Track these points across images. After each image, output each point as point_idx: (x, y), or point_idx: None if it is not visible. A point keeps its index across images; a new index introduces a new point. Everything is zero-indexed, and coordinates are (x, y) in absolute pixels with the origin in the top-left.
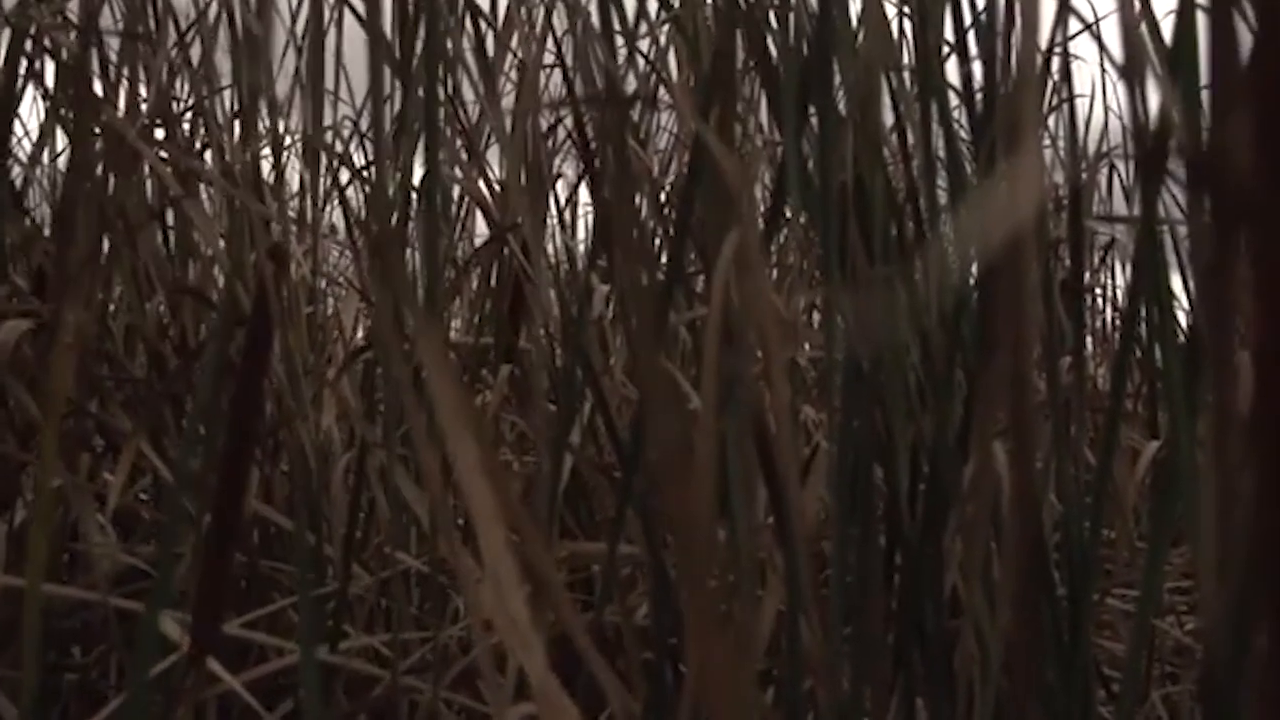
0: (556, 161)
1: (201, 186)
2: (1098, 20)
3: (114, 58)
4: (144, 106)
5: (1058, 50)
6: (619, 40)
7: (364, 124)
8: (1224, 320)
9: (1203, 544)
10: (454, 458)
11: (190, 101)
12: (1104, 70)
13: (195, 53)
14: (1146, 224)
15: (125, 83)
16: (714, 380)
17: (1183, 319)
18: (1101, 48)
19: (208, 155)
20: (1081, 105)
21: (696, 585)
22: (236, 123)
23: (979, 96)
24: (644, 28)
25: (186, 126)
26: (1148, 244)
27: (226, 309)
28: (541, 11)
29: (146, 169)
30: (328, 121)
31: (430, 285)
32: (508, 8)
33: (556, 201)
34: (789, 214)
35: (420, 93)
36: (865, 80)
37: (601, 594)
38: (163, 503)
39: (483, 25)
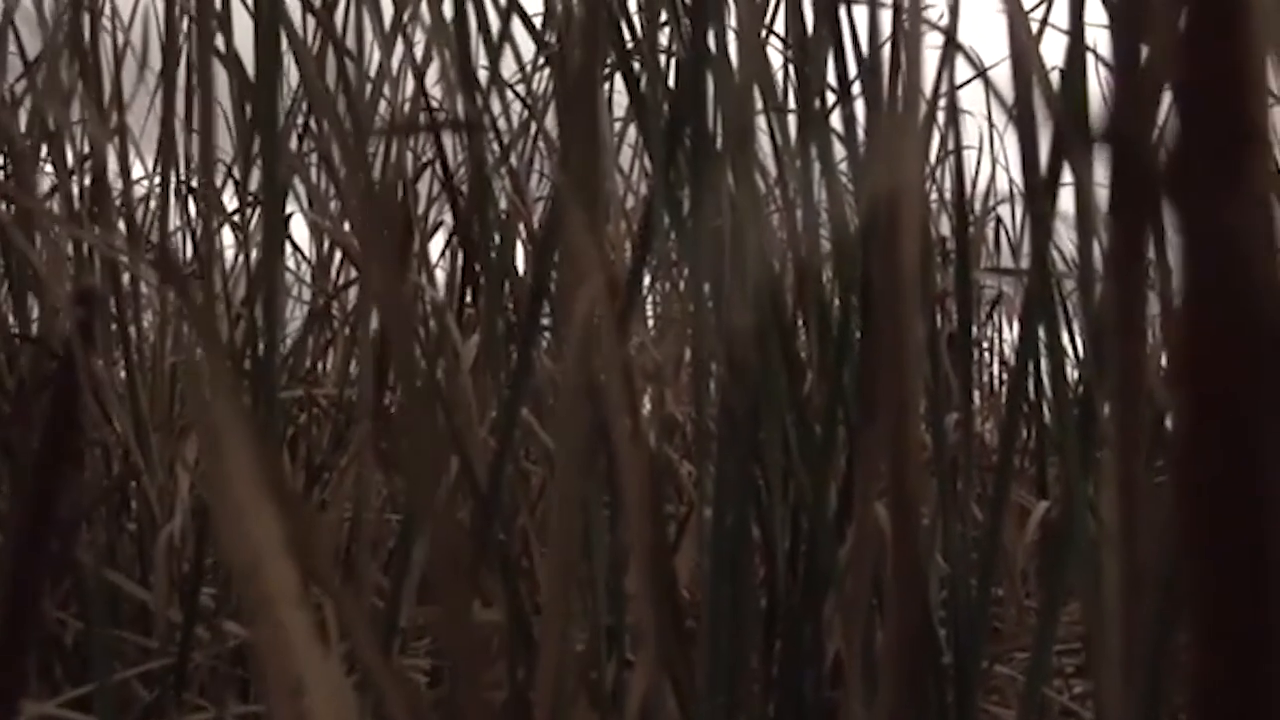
0: (426, 209)
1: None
2: (984, 71)
3: None
4: None
5: (944, 97)
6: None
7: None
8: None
9: (1102, 635)
10: (251, 530)
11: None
12: (991, 124)
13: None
14: (1037, 268)
15: None
16: (571, 439)
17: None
18: (988, 86)
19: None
20: (970, 158)
21: (553, 655)
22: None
23: (861, 139)
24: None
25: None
26: (1038, 294)
27: (36, 358)
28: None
29: None
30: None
31: (270, 335)
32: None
33: (424, 250)
34: (656, 260)
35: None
36: (740, 115)
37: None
38: None
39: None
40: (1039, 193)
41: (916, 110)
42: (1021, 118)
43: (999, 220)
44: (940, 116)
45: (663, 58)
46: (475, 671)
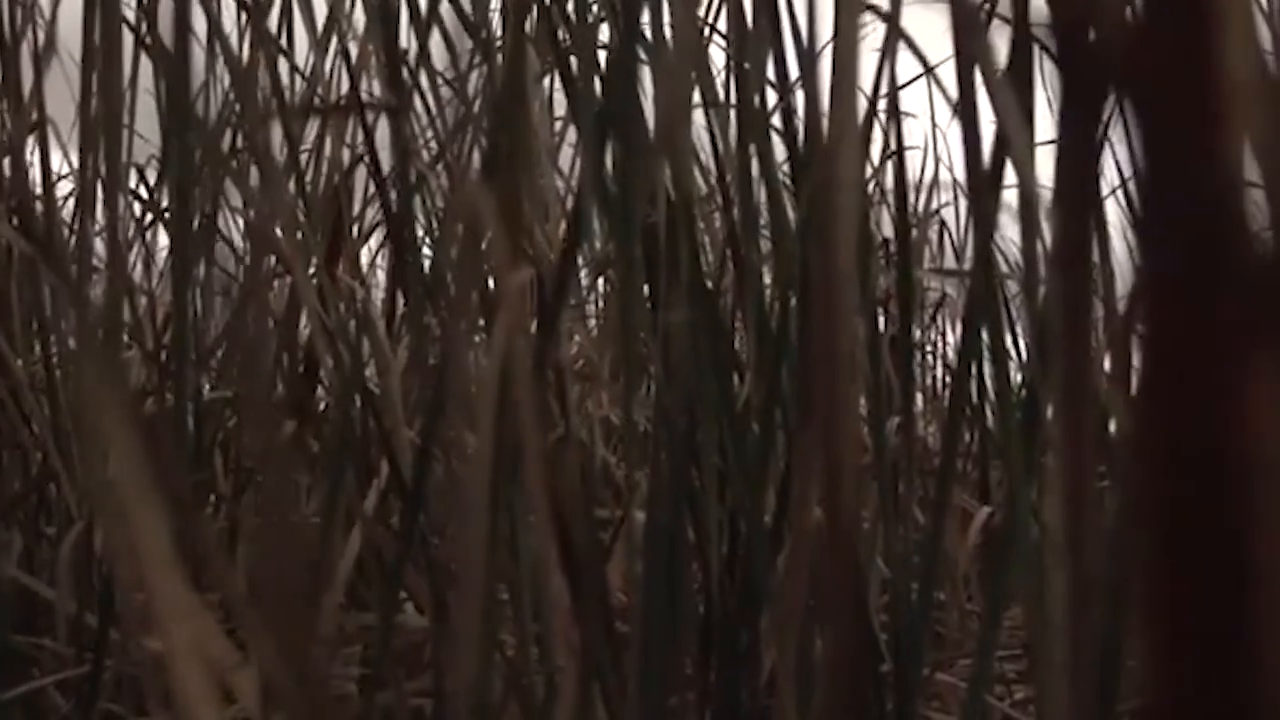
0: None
1: None
2: (930, 68)
3: None
4: None
5: (885, 96)
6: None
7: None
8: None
9: (1045, 640)
10: (138, 537)
11: None
12: (935, 125)
13: None
14: (981, 266)
15: None
16: (487, 441)
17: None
18: (933, 81)
19: None
20: (915, 159)
21: (469, 662)
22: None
23: (801, 134)
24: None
25: None
26: (981, 292)
27: None
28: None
29: None
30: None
31: (180, 333)
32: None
33: (352, 248)
34: (583, 258)
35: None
36: (673, 102)
37: (374, 669)
38: None
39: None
40: (982, 190)
41: (853, 105)
42: (965, 113)
43: (943, 223)
44: (882, 113)
45: (603, 54)
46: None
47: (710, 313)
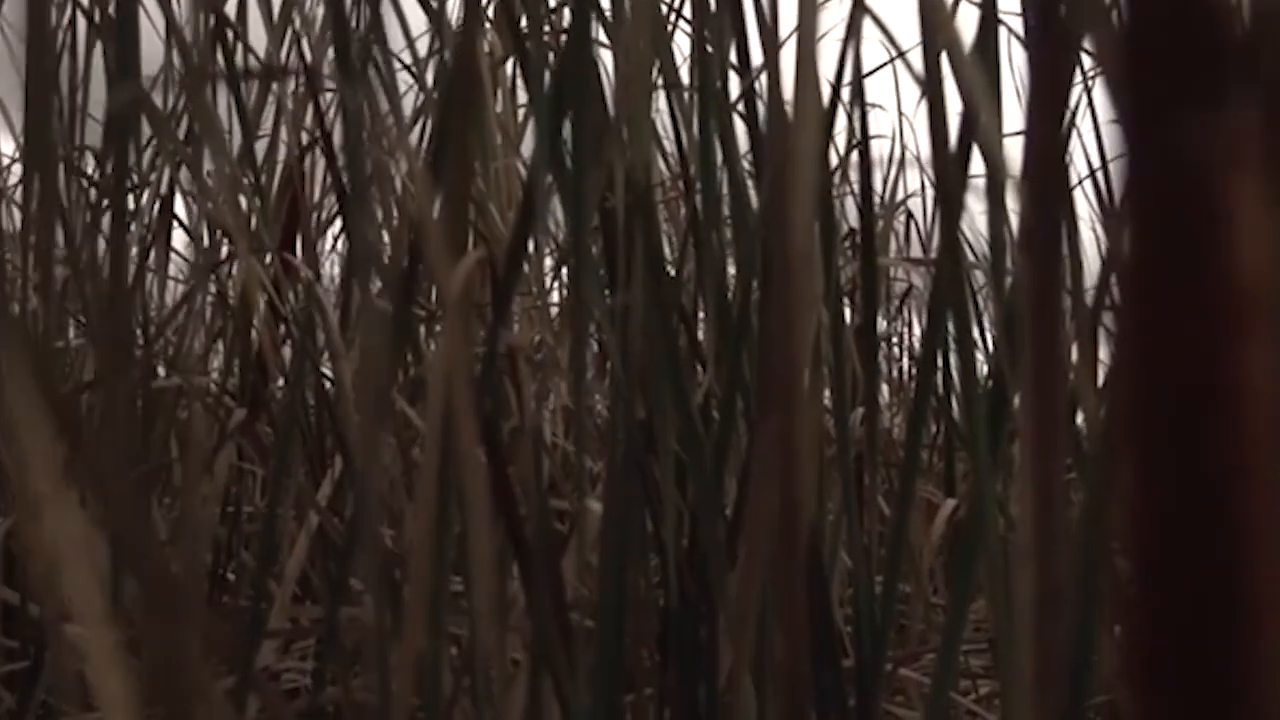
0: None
1: None
2: (901, 54)
3: None
4: None
5: (850, 80)
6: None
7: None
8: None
9: (1010, 635)
10: (52, 528)
11: None
12: (901, 114)
13: None
14: (947, 250)
15: None
16: (436, 432)
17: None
18: (899, 63)
19: None
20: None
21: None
22: None
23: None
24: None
25: None
26: (947, 275)
27: None
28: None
29: None
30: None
31: (116, 313)
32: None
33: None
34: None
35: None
36: (632, 80)
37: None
38: None
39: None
40: (948, 171)
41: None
42: (930, 92)
43: (909, 214)
44: (847, 95)
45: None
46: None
47: (670, 299)
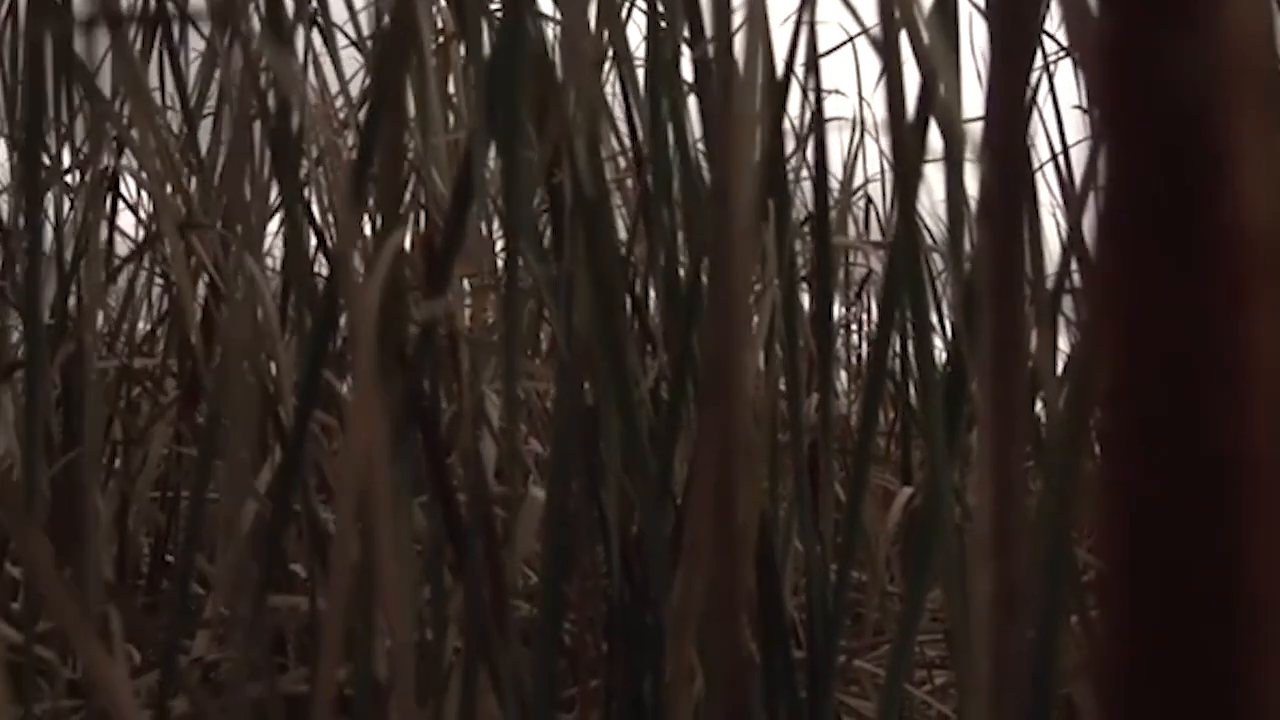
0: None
1: None
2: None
3: None
4: None
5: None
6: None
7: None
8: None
9: (967, 635)
10: None
11: None
12: (862, 99)
13: None
14: (904, 224)
15: None
16: (365, 415)
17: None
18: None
19: None
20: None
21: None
22: None
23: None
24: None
25: None
26: (904, 255)
27: None
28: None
29: None
30: None
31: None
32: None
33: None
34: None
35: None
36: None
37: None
38: None
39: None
40: (905, 139)
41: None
42: (888, 62)
43: (869, 199)
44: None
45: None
46: (271, 663)
47: (618, 278)
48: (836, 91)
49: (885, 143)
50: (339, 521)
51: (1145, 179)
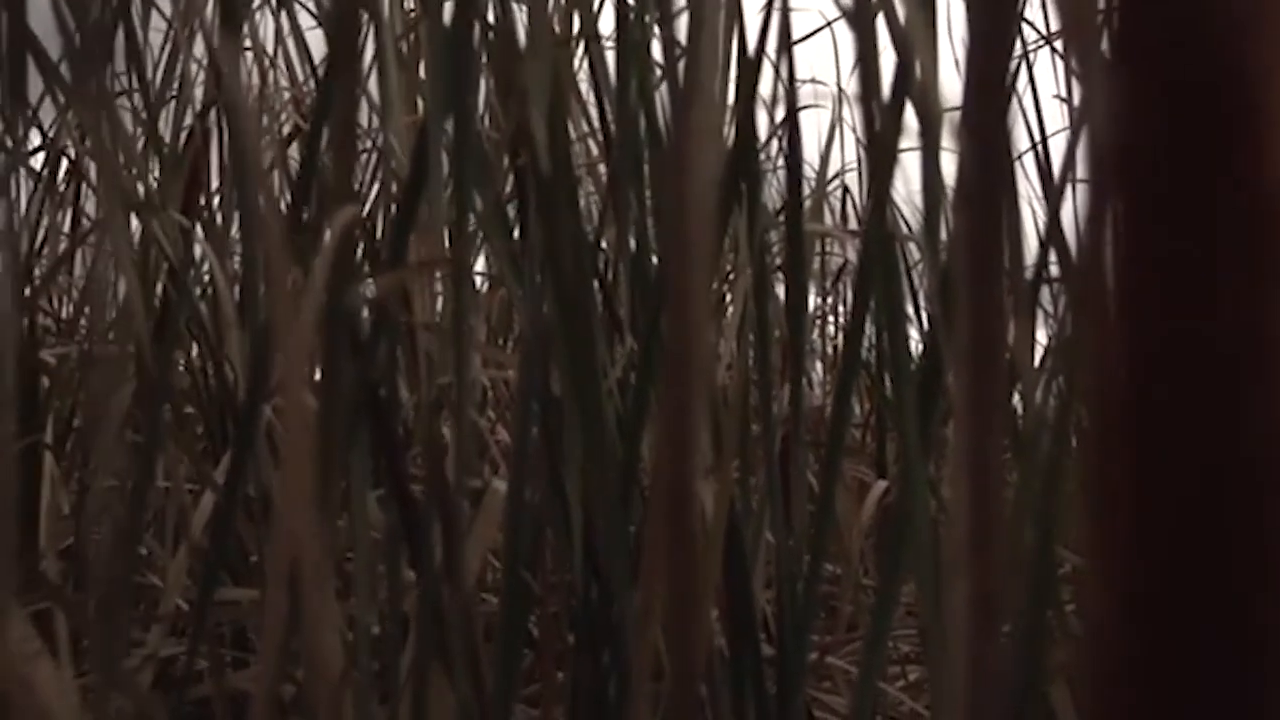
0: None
1: None
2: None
3: None
4: None
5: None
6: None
7: None
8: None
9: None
10: None
11: None
12: (840, 88)
13: None
14: (877, 208)
15: None
16: (298, 398)
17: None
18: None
19: None
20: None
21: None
22: None
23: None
24: None
25: None
26: (877, 249)
27: None
28: None
29: None
30: None
31: None
32: None
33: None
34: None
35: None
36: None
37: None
38: None
39: None
40: (878, 118)
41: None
42: (862, 40)
43: (846, 189)
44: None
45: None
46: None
47: (585, 263)
48: (814, 80)
49: (860, 126)
50: (274, 519)
51: (1166, 134)
